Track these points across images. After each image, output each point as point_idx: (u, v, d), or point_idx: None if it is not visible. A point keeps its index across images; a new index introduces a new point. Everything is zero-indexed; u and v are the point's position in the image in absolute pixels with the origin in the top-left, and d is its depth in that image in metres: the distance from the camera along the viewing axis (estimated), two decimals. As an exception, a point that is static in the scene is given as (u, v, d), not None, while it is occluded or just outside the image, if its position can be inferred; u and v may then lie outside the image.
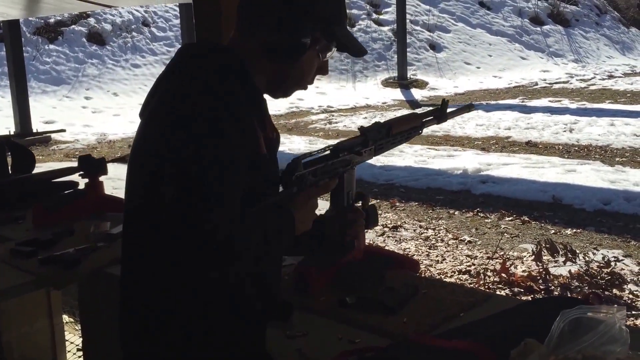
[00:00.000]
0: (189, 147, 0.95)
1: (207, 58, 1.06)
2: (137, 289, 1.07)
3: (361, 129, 1.29)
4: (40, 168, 2.34)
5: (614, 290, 2.98)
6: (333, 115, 9.67)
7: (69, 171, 2.14)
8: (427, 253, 3.66)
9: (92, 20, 11.15)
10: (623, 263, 3.31)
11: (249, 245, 0.99)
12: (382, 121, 1.35)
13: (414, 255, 3.63)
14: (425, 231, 4.06)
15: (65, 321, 2.47)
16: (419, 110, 9.85)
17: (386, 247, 3.75)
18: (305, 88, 1.16)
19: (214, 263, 0.95)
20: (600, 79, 12.76)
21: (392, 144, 1.34)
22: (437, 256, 3.59)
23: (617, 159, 5.82)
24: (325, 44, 1.11)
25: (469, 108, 1.53)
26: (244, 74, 1.05)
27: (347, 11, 13.80)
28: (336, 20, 1.11)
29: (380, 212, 4.48)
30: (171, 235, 0.97)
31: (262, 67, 1.09)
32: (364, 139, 1.28)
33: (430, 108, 1.41)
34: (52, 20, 10.69)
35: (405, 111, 9.89)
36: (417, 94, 11.66)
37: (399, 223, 4.22)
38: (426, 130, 5.83)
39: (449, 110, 1.43)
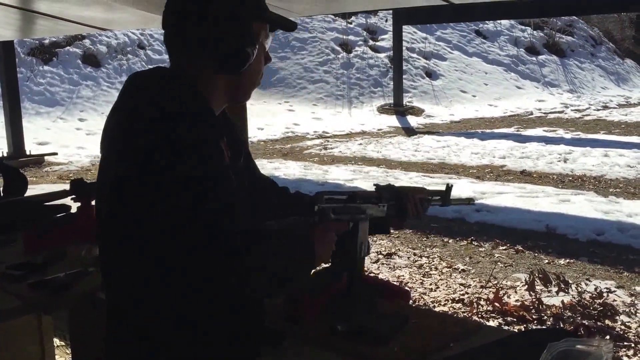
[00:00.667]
0: (158, 175, 0.96)
1: (158, 85, 1.06)
2: (125, 315, 1.08)
3: (377, 186, 1.37)
4: (33, 190, 2.34)
5: (606, 321, 2.97)
6: (328, 141, 9.74)
7: (61, 194, 2.14)
8: (421, 281, 3.65)
9: (87, 42, 11.19)
10: (615, 294, 3.31)
11: (266, 264, 1.00)
12: (395, 185, 1.44)
13: (408, 283, 3.62)
14: (419, 259, 4.07)
15: (56, 345, 2.44)
16: (414, 136, 9.91)
17: (380, 275, 3.75)
18: (259, 83, 1.19)
19: (230, 278, 0.97)
20: (594, 110, 12.93)
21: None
22: (430, 284, 3.58)
23: (610, 190, 5.87)
24: (264, 33, 1.13)
25: (468, 201, 1.65)
26: (195, 95, 1.07)
27: (344, 37, 13.84)
28: (263, 6, 1.13)
29: (374, 239, 4.49)
30: (173, 255, 0.98)
31: (215, 84, 1.10)
32: (378, 195, 1.34)
33: (436, 189, 1.52)
34: (46, 41, 10.70)
35: (400, 138, 9.97)
36: (413, 121, 11.77)
37: (393, 250, 4.22)
38: (421, 157, 5.89)
39: (452, 197, 1.53)
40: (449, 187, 1.50)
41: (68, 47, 10.96)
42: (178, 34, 1.10)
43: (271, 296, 1.07)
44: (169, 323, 1.03)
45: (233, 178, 1.08)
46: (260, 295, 1.05)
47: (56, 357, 2.30)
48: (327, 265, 1.42)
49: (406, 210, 1.37)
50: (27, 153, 7.93)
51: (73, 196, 2.01)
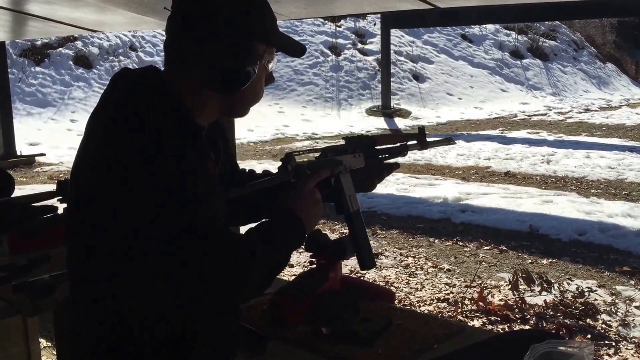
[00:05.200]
0: (136, 187, 0.91)
1: (141, 94, 1.00)
2: (95, 320, 1.04)
3: (345, 139, 1.31)
4: (23, 190, 2.33)
5: (588, 321, 3.03)
6: (317, 143, 9.78)
7: (48, 195, 2.12)
8: (407, 281, 3.70)
9: (79, 44, 11.21)
10: (596, 293, 3.37)
11: (261, 258, 0.97)
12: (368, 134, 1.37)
13: (394, 283, 3.67)
14: (406, 259, 4.11)
15: (43, 346, 2.43)
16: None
17: (367, 275, 3.78)
18: (258, 101, 1.14)
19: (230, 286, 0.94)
20: (577, 112, 13.14)
21: (383, 156, 1.31)
22: (416, 284, 3.63)
23: (592, 191, 5.98)
24: (268, 56, 1.08)
25: (448, 141, 1.50)
26: (179, 109, 1.01)
27: (333, 41, 13.88)
28: (271, 27, 1.08)
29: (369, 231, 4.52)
30: (149, 264, 0.94)
31: (207, 99, 1.05)
32: (347, 146, 1.30)
33: (411, 132, 1.40)
34: (38, 42, 10.69)
35: (388, 140, 10.04)
36: (401, 123, 11.87)
37: (379, 250, 4.26)
38: (408, 159, 5.92)
39: (429, 139, 1.42)
40: (421, 129, 1.39)
41: (60, 49, 10.96)
42: (178, 42, 1.05)
43: (261, 290, 1.03)
44: (146, 332, 0.99)
45: (217, 191, 1.04)
46: (253, 292, 1.01)
47: (43, 358, 2.30)
48: (312, 267, 1.44)
49: (377, 164, 1.28)
50: (19, 154, 7.97)
51: (60, 197, 2.00)
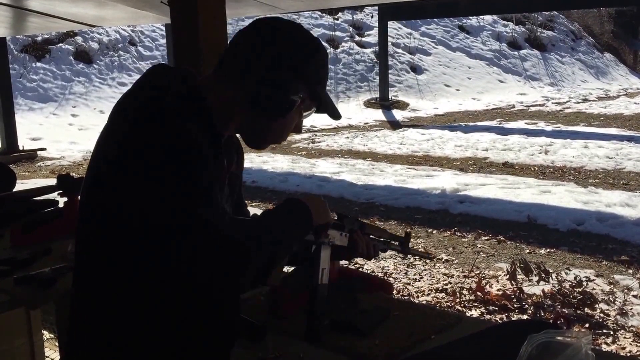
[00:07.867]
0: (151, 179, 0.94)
1: (173, 92, 1.03)
2: (95, 309, 1.05)
3: (339, 214, 1.33)
4: (25, 185, 2.34)
5: (586, 310, 3.05)
6: (316, 135, 9.78)
7: (48, 190, 2.15)
8: (405, 272, 3.71)
9: (79, 39, 11.26)
10: (594, 283, 3.39)
11: (262, 237, 0.99)
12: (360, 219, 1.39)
13: (392, 273, 3.68)
14: (404, 250, 4.13)
15: (46, 337, 2.46)
16: (399, 130, 9.99)
17: (365, 266, 3.80)
18: (279, 143, 1.17)
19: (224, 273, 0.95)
20: (575, 103, 13.15)
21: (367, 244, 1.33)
22: (414, 275, 3.64)
23: (590, 181, 5.99)
24: (308, 103, 1.14)
25: (427, 255, 1.81)
26: (203, 113, 1.05)
27: (331, 33, 13.85)
28: (322, 82, 1.15)
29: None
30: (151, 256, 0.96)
31: (240, 115, 1.09)
32: (340, 222, 1.31)
33: (397, 235, 1.45)
34: (39, 38, 10.78)
35: (386, 131, 10.04)
36: (398, 114, 11.87)
37: (378, 242, 4.28)
38: (406, 150, 5.93)
39: (411, 248, 1.48)
40: (407, 234, 1.42)
41: (60, 44, 11.03)
42: (241, 54, 1.09)
43: (263, 276, 1.03)
44: (146, 322, 1.01)
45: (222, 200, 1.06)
46: (253, 277, 1.01)
47: (46, 350, 2.32)
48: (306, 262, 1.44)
49: (357, 246, 1.30)
50: (21, 148, 8.09)
51: (60, 191, 2.02)
